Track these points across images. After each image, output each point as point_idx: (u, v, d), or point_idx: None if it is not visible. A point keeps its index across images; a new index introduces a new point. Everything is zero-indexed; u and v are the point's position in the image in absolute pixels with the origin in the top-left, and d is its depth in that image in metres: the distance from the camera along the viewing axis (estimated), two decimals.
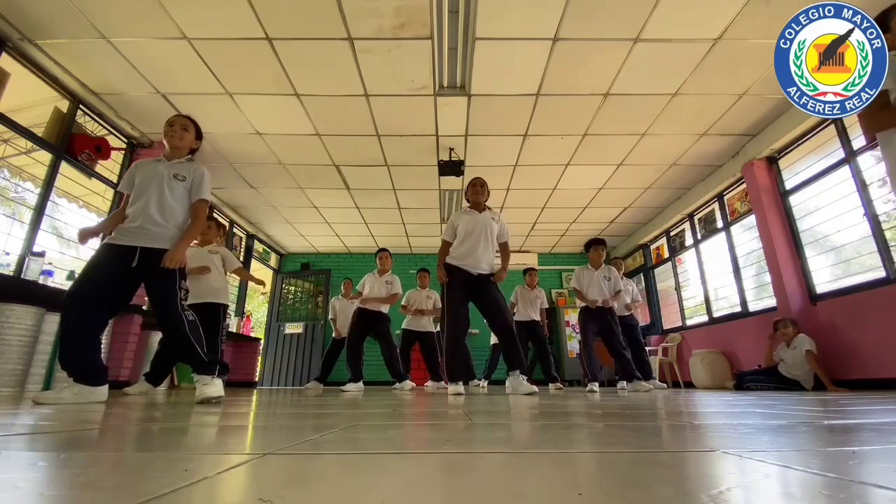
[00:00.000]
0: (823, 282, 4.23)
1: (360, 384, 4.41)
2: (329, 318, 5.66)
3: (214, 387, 2.12)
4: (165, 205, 2.21)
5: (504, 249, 3.44)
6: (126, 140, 4.59)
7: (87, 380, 1.99)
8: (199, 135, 2.42)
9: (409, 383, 4.61)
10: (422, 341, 5.02)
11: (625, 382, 4.25)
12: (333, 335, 5.50)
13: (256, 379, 7.29)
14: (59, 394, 1.94)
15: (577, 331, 7.18)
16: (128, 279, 2.14)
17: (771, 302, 4.65)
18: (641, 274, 7.58)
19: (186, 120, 2.36)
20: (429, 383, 5.15)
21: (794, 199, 4.49)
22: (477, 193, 3.37)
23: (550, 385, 5.03)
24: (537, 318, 5.24)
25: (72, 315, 2.01)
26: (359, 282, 4.83)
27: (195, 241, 3.71)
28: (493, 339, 5.94)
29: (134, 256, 2.11)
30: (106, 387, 2.06)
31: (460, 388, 3.00)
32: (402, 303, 5.14)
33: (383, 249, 4.86)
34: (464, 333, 3.25)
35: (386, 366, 4.67)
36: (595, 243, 4.50)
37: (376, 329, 4.64)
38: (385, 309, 4.70)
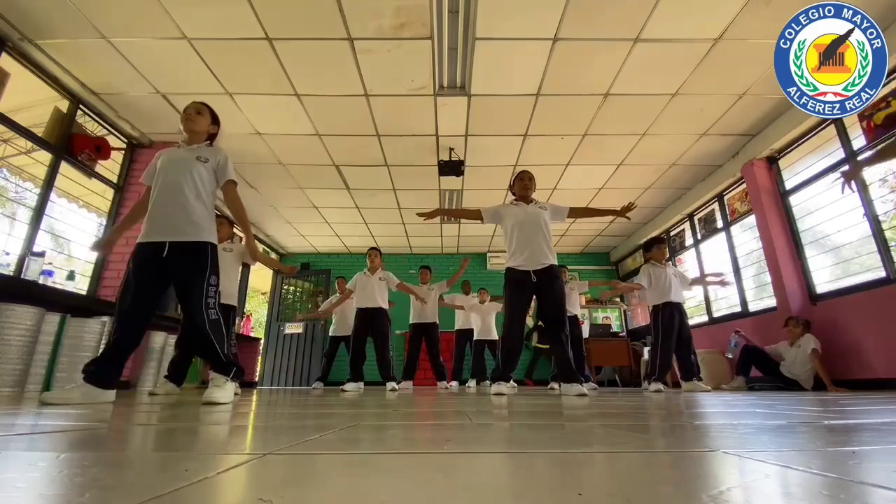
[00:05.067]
0: (823, 282, 4.23)
1: (361, 384, 4.39)
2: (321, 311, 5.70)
3: (224, 391, 2.08)
4: (197, 189, 2.20)
5: (579, 209, 3.36)
6: (126, 140, 4.59)
7: (103, 383, 1.98)
8: (214, 119, 2.40)
9: (392, 384, 4.51)
10: (427, 334, 5.08)
11: (646, 383, 4.24)
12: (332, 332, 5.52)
13: (256, 379, 7.30)
14: (67, 394, 1.93)
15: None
16: (161, 279, 2.13)
17: (771, 302, 4.65)
18: None
19: (200, 104, 2.35)
20: (440, 383, 5.16)
21: (794, 199, 4.49)
22: (525, 188, 3.28)
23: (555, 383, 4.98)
24: (575, 312, 5.20)
25: (126, 327, 2.02)
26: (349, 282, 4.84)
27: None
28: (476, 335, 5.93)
29: (163, 250, 2.09)
30: (114, 390, 2.06)
31: (503, 388, 2.97)
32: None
33: (373, 248, 4.82)
34: (516, 338, 3.13)
35: (377, 365, 4.65)
36: (657, 241, 4.44)
37: (378, 328, 4.60)
38: (386, 305, 4.69)
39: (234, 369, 2.18)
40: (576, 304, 5.22)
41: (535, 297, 3.15)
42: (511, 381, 4.97)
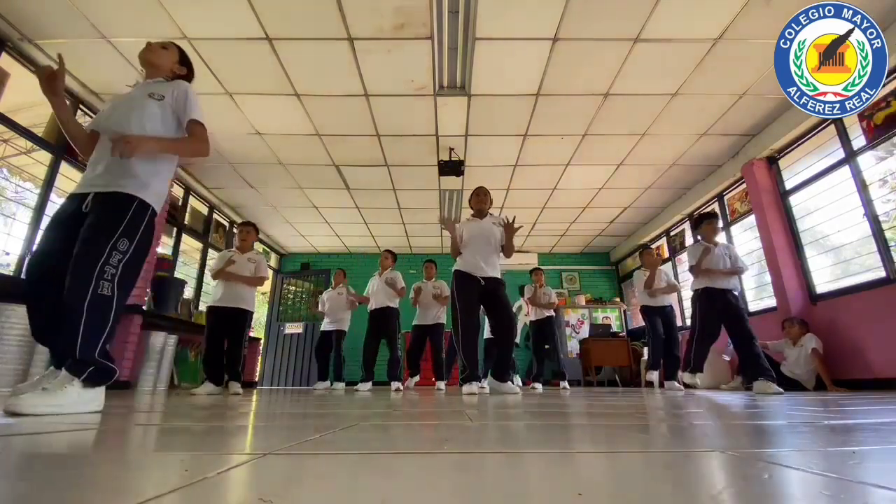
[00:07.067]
0: (823, 282, 4.23)
1: (370, 384, 4.48)
2: (319, 308, 5.56)
3: (56, 397, 1.34)
4: (131, 129, 1.70)
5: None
6: None
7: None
8: (184, 61, 1.99)
9: (396, 384, 4.57)
10: (430, 335, 5.04)
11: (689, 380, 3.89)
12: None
13: (256, 379, 7.29)
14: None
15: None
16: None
17: (771, 302, 4.65)
18: None
19: (168, 42, 1.97)
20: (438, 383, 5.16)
21: (794, 199, 4.49)
22: (480, 202, 3.48)
23: (561, 383, 5.13)
24: (550, 313, 5.28)
25: (34, 294, 1.56)
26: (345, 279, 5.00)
27: (236, 247, 3.77)
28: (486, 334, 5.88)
29: (85, 202, 1.62)
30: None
31: (474, 388, 3.06)
32: (411, 295, 5.15)
33: (386, 251, 4.98)
34: (474, 336, 3.28)
35: (388, 365, 4.73)
36: (707, 217, 3.95)
37: (386, 328, 4.67)
38: (394, 304, 4.74)
39: (90, 370, 1.45)
40: (549, 307, 5.26)
41: (487, 304, 3.37)
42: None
